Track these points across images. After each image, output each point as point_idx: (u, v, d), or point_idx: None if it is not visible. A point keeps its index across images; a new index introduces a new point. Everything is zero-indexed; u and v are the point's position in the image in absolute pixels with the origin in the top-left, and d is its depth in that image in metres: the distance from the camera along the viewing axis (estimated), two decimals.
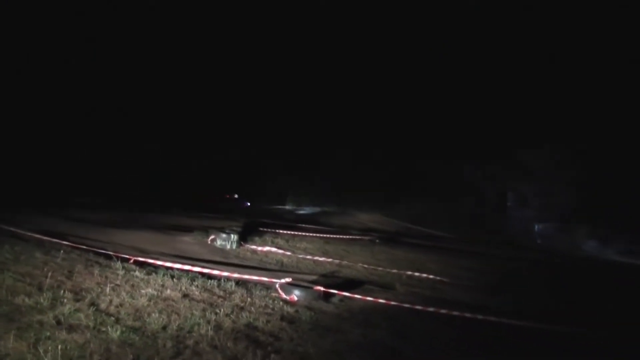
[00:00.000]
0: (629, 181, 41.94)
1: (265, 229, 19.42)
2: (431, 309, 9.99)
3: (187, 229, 16.91)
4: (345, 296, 10.05)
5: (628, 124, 42.53)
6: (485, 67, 42.64)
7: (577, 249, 36.16)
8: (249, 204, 40.71)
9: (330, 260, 15.14)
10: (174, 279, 9.35)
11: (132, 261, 10.40)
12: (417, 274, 14.62)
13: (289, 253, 15.27)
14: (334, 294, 9.97)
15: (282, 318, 8.09)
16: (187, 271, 10.26)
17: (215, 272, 10.42)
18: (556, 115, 41.62)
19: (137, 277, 9.13)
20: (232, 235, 15.18)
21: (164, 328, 6.74)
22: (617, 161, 41.68)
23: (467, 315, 9.97)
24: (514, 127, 41.36)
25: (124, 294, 7.93)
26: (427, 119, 42.04)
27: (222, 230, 15.61)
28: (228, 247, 14.90)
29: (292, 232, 19.84)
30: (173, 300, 8.03)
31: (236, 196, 41.77)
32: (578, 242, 38.01)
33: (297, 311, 8.59)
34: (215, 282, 9.56)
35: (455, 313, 9.96)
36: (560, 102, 42.33)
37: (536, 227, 39.99)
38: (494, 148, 41.25)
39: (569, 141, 39.54)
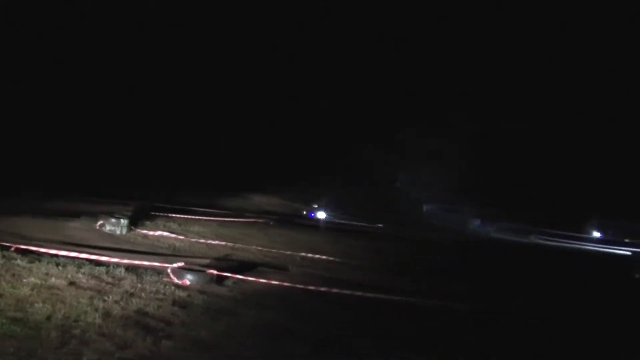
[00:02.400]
0: (511, 163, 44.48)
1: (157, 213, 18.97)
2: (324, 289, 10.19)
3: (76, 214, 16.20)
4: (238, 279, 10.04)
5: (515, 109, 44.97)
6: (381, 54, 43.56)
7: (462, 228, 37.96)
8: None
9: (224, 243, 15.04)
10: (60, 267, 8.94)
11: (13, 249, 9.84)
12: (311, 255, 14.84)
13: (181, 237, 15.02)
14: (227, 277, 9.93)
15: (174, 303, 7.96)
16: (74, 258, 9.84)
17: (104, 258, 10.07)
18: (446, 100, 43.27)
19: (19, 265, 8.66)
20: (121, 220, 14.71)
21: (49, 318, 6.45)
22: (502, 145, 44.04)
23: (358, 293, 10.25)
24: (407, 111, 42.63)
25: (4, 283, 7.51)
26: (324, 104, 42.44)
27: (111, 214, 15.09)
28: (118, 232, 14.43)
29: (185, 216, 19.51)
30: (58, 289, 7.70)
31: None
32: (464, 221, 39.95)
33: (189, 295, 8.49)
34: (103, 269, 9.23)
35: (347, 292, 10.22)
36: (450, 87, 44.04)
37: (424, 207, 41.57)
38: (388, 131, 42.34)
39: (459, 125, 41.27)
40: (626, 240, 39.75)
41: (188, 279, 9.25)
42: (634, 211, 42.51)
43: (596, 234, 43.98)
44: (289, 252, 14.82)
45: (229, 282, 9.81)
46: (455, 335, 8.77)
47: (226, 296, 8.96)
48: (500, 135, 44.01)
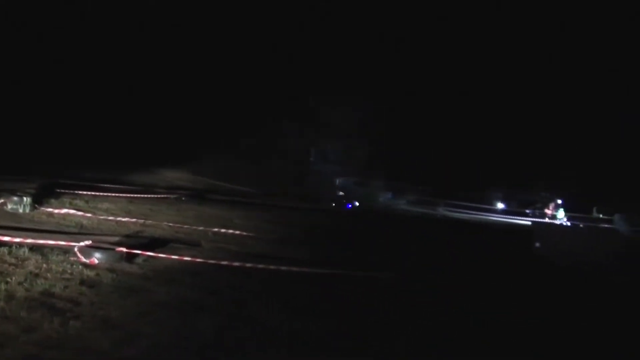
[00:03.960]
0: (422, 137, 45.67)
1: (63, 190, 18.28)
2: (237, 264, 10.22)
3: None
4: (149, 256, 9.90)
5: (424, 82, 46.04)
6: (283, 25, 43.37)
7: (374, 201, 38.71)
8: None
9: (134, 220, 14.71)
10: None
11: None
12: (223, 230, 14.77)
13: (89, 214, 14.57)
14: (137, 255, 9.77)
15: (82, 282, 7.79)
16: None
17: (6, 238, 9.64)
18: (358, 72, 43.71)
19: None
20: (24, 198, 14.10)
21: None
22: (412, 119, 45.11)
23: (272, 267, 10.35)
24: (318, 84, 42.76)
25: None
26: (232, 75, 41.93)
27: (13, 192, 14.43)
28: (21, 210, 13.83)
29: (93, 193, 18.92)
30: None
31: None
32: (375, 194, 40.74)
33: (97, 274, 8.31)
34: (5, 249, 8.87)
35: (260, 266, 10.29)
36: (361, 59, 44.49)
37: (337, 181, 42.02)
38: (299, 105, 42.38)
39: (371, 98, 41.84)
40: (527, 211, 41.87)
41: (96, 258, 9.04)
42: (536, 183, 44.72)
43: (500, 205, 45.94)
44: (201, 228, 14.69)
45: (139, 260, 9.66)
46: (366, 303, 9.02)
47: (136, 274, 8.84)
48: (409, 110, 44.98)
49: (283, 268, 10.39)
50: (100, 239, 10.68)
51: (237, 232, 14.89)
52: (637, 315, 10.98)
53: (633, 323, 10.26)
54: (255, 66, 42.16)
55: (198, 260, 10.22)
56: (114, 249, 9.42)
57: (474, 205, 41.60)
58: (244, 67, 41.98)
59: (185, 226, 14.79)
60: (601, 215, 37.39)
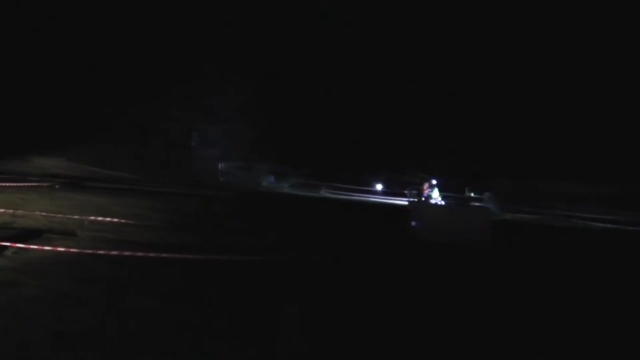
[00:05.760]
0: (304, 121, 46.16)
1: None
2: (115, 253, 9.97)
3: None
4: (20, 248, 9.46)
5: (307, 66, 46.45)
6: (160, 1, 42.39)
7: (256, 185, 38.88)
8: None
9: (2, 210, 13.94)
10: None
11: None
12: (100, 218, 14.33)
13: None
14: (6, 247, 9.31)
15: None
16: None
17: None
18: (240, 53, 43.46)
19: None
20: None
21: None
22: (294, 102, 45.49)
23: (152, 255, 10.17)
24: (199, 66, 42.18)
25: None
26: (107, 57, 40.43)
27: None
28: None
29: None
30: None
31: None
32: (258, 178, 40.93)
33: None
34: None
35: (140, 254, 10.09)
36: (244, 40, 44.25)
37: (219, 166, 41.78)
38: (180, 89, 41.61)
39: (253, 80, 41.76)
40: (405, 192, 43.66)
41: None
42: (412, 165, 46.55)
43: (379, 187, 47.48)
44: (76, 217, 14.15)
45: (8, 252, 9.22)
46: (244, 288, 9.08)
47: (5, 267, 8.43)
48: (291, 93, 45.34)
49: (164, 255, 10.24)
50: None
51: (116, 219, 14.48)
52: (508, 286, 11.76)
53: (505, 293, 10.98)
54: (132, 47, 40.79)
55: (73, 250, 9.88)
56: None
57: (355, 187, 42.82)
58: (120, 48, 40.52)
59: (60, 215, 14.21)
60: (472, 195, 39.63)
